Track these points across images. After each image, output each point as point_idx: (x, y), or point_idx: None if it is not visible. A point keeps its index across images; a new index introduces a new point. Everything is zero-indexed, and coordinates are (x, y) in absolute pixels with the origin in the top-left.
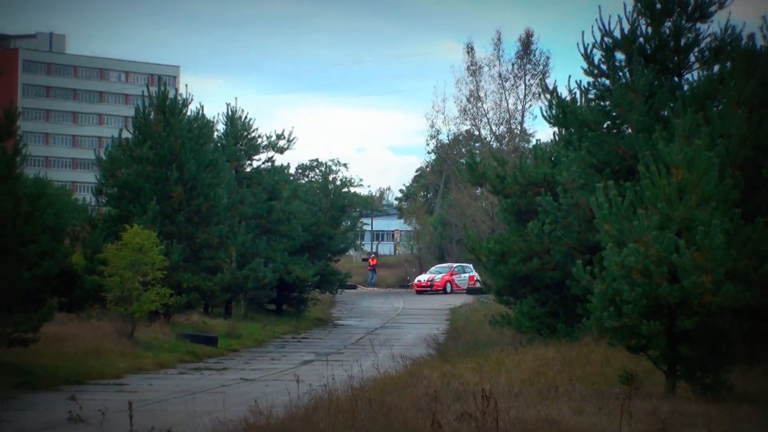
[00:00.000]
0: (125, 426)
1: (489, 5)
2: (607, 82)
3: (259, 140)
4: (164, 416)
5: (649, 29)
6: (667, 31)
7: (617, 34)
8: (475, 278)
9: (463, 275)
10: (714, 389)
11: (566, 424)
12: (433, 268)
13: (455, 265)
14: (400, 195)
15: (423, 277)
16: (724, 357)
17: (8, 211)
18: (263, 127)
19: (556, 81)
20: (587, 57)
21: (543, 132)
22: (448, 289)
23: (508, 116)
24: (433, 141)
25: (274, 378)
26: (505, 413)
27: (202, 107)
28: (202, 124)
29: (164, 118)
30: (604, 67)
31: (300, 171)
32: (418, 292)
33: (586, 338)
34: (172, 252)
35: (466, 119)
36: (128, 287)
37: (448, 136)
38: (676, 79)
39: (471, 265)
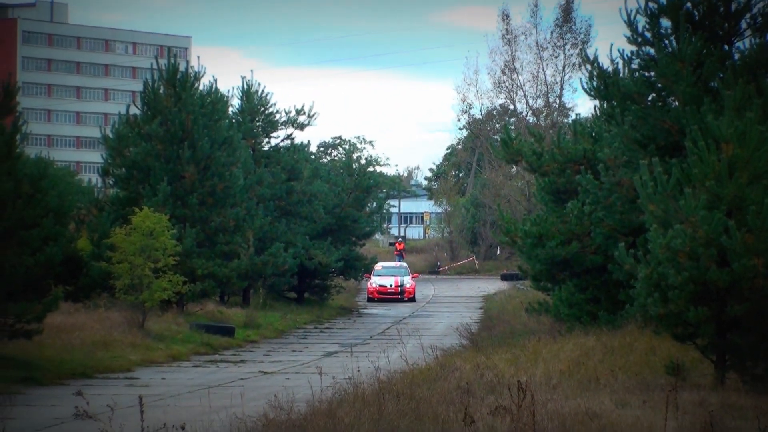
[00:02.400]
0: (136, 422)
1: None
2: (652, 51)
3: (278, 116)
4: (178, 412)
5: None
6: None
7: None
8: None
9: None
10: (765, 380)
11: (608, 417)
12: (382, 266)
13: (405, 264)
14: (429, 174)
15: (386, 281)
16: None
17: (8, 193)
18: (282, 102)
19: (597, 50)
20: (630, 24)
21: (583, 106)
22: (415, 297)
23: (545, 89)
24: (465, 116)
25: (296, 371)
26: (543, 406)
27: (216, 81)
28: (216, 99)
29: (175, 93)
30: (648, 35)
31: (322, 149)
32: (379, 300)
33: (630, 326)
34: (184, 237)
35: (500, 92)
36: (138, 274)
37: (481, 111)
38: (726, 47)
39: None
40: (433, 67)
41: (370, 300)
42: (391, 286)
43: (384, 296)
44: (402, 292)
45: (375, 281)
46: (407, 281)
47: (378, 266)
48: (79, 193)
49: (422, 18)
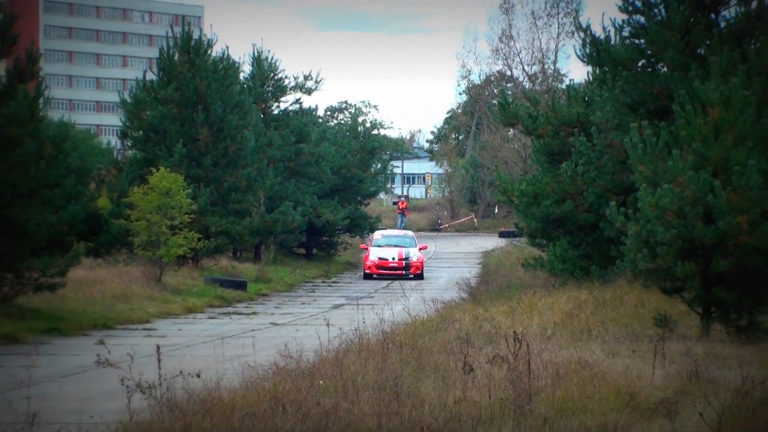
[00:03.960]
0: (154, 370)
1: None
2: (642, 19)
3: (286, 81)
4: (193, 361)
5: None
6: None
7: None
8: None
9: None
10: (749, 331)
11: (599, 366)
12: (382, 235)
13: (411, 233)
14: (431, 137)
15: (387, 253)
16: (759, 299)
17: (32, 154)
18: (290, 68)
19: (589, 18)
20: None
21: (576, 72)
22: (423, 273)
23: (541, 56)
24: (465, 81)
25: (305, 322)
26: (537, 356)
27: (228, 48)
28: (228, 65)
29: (189, 59)
30: (639, 3)
31: (329, 113)
32: (379, 277)
33: (620, 280)
34: (199, 196)
35: (498, 59)
36: (155, 231)
37: (479, 77)
38: (712, 15)
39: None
40: (436, 35)
41: (367, 276)
42: (393, 259)
43: (385, 272)
44: (407, 267)
45: (374, 253)
46: (414, 254)
47: (377, 235)
48: (99, 154)
49: None
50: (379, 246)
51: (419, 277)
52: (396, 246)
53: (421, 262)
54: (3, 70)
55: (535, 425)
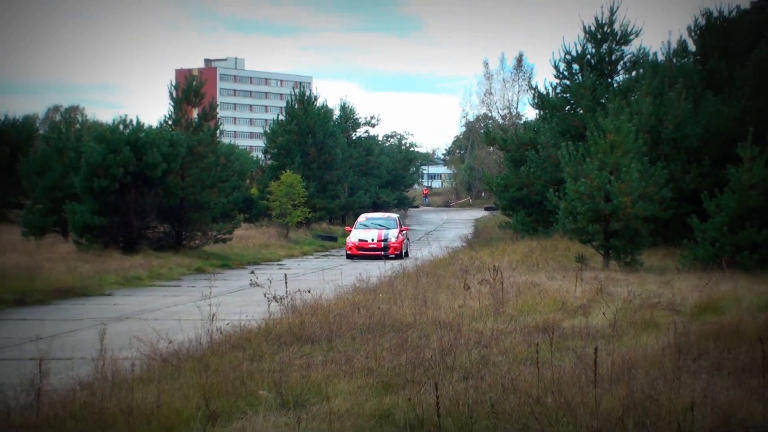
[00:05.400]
0: (283, 288)
1: (497, 37)
2: (568, 82)
3: (359, 120)
4: (306, 283)
5: (593, 50)
6: (604, 51)
7: (574, 53)
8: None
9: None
10: (631, 265)
11: (543, 285)
12: (366, 217)
13: (394, 215)
14: (444, 151)
15: (367, 234)
16: (637, 245)
17: (212, 162)
18: (361, 110)
19: (537, 82)
20: (556, 67)
21: (530, 113)
22: (403, 253)
23: (508, 103)
24: (464, 119)
25: (371, 260)
26: (507, 279)
27: (326, 100)
28: (326, 110)
29: (303, 107)
30: (566, 73)
31: (385, 137)
32: (360, 257)
33: (556, 235)
34: (309, 187)
35: (483, 106)
36: (284, 208)
37: (473, 116)
38: (609, 80)
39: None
40: (448, 91)
41: (349, 257)
42: (372, 240)
43: (364, 252)
44: (385, 248)
45: (354, 235)
46: (392, 235)
47: (362, 217)
48: (251, 163)
49: (437, 66)
50: (361, 228)
51: (399, 257)
52: (377, 228)
53: (400, 243)
54: (195, 114)
55: (505, 320)
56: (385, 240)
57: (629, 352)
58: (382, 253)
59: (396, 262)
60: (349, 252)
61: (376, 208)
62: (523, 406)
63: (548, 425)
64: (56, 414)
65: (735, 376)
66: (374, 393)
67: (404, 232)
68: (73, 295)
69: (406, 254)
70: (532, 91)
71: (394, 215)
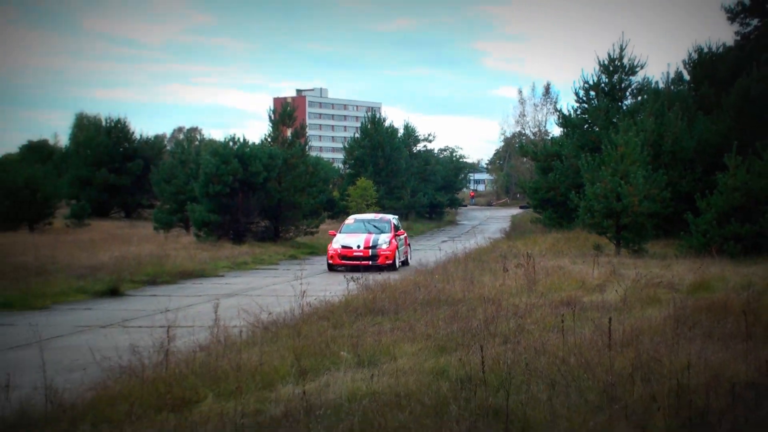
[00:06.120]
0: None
1: (530, 70)
2: (586, 105)
3: (419, 136)
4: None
5: (606, 79)
6: (615, 80)
7: (591, 82)
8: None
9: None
10: (638, 252)
11: (567, 268)
12: (354, 219)
13: (389, 216)
14: (487, 161)
15: (352, 240)
16: (643, 237)
17: (302, 171)
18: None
19: (561, 106)
20: (576, 94)
21: (556, 131)
22: (397, 263)
23: (538, 123)
24: (503, 135)
25: (429, 248)
26: (538, 263)
27: (392, 121)
28: (392, 129)
29: (374, 127)
30: (584, 98)
31: (439, 150)
32: (344, 267)
33: (576, 229)
34: (379, 190)
35: (518, 125)
36: (359, 207)
37: (510, 133)
38: (619, 103)
39: (396, 218)
40: (490, 114)
41: (331, 268)
42: (358, 247)
43: (348, 262)
44: (374, 257)
45: (337, 241)
46: (383, 240)
47: (349, 219)
48: (333, 172)
49: (481, 92)
50: (347, 231)
51: (392, 267)
52: (365, 232)
53: (393, 250)
54: (289, 133)
55: (537, 296)
56: (374, 246)
57: (637, 322)
58: (370, 262)
59: (449, 250)
60: (330, 261)
61: (432, 207)
62: (551, 365)
63: (572, 380)
64: (180, 370)
65: (723, 342)
66: (432, 354)
67: (401, 237)
68: (193, 277)
69: (405, 263)
70: (558, 113)
71: (390, 216)
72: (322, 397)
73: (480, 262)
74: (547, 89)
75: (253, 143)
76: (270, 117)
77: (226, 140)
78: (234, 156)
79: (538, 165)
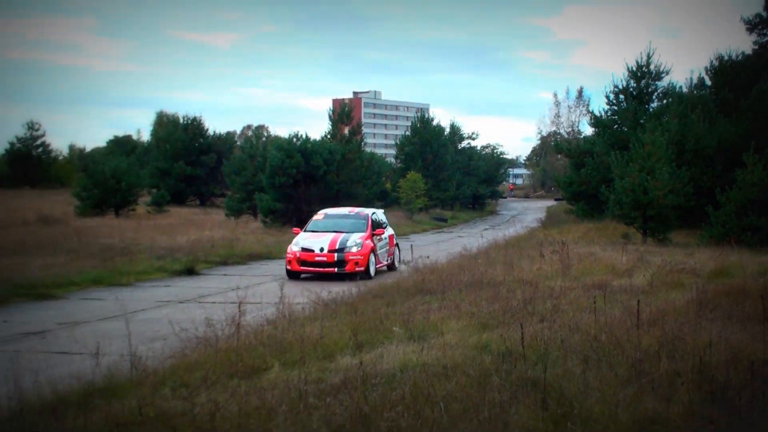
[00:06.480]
0: (409, 254)
1: (564, 75)
2: (616, 108)
3: (464, 134)
4: (427, 251)
5: (635, 84)
6: (642, 85)
7: (620, 86)
8: (393, 236)
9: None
10: (663, 241)
11: (598, 255)
12: (325, 214)
13: (368, 211)
14: (525, 158)
15: (315, 242)
16: (667, 227)
17: (359, 165)
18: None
19: (593, 108)
20: (607, 97)
21: (588, 131)
22: (372, 270)
23: (571, 123)
24: (539, 134)
25: (470, 235)
26: (571, 250)
27: (440, 121)
28: (439, 128)
29: (423, 126)
30: (614, 101)
31: (481, 147)
32: (306, 275)
33: (606, 219)
34: (427, 183)
35: (553, 125)
36: (409, 197)
37: (545, 132)
38: (646, 106)
39: (381, 213)
40: (530, 115)
41: (290, 275)
42: (321, 250)
43: (309, 268)
44: (340, 263)
45: (298, 242)
46: (354, 242)
47: (318, 214)
48: (386, 165)
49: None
50: (313, 230)
51: (366, 275)
52: (334, 231)
53: (366, 254)
54: (346, 130)
55: (570, 279)
56: (342, 249)
57: (662, 304)
58: (336, 269)
59: (490, 237)
60: (288, 267)
61: (475, 199)
62: (584, 341)
63: (603, 356)
64: (250, 342)
65: (742, 323)
66: (476, 330)
67: (382, 236)
68: (261, 258)
69: (391, 266)
70: (590, 114)
71: (369, 211)
72: (376, 368)
73: (519, 248)
74: (580, 93)
75: (315, 140)
76: (330, 116)
77: (291, 137)
78: (297, 151)
79: (572, 161)
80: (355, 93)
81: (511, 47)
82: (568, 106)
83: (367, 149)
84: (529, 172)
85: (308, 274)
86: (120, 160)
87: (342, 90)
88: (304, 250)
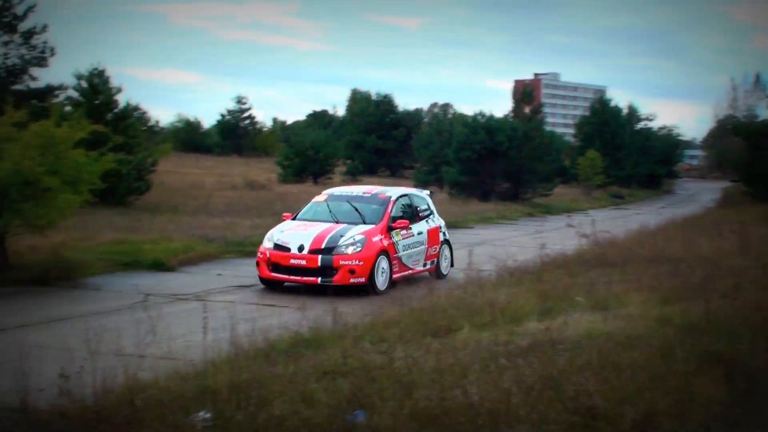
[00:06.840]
0: (589, 228)
1: (741, 62)
2: None
3: (641, 116)
4: (604, 225)
5: None
6: None
7: None
8: (440, 229)
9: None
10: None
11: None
12: (326, 197)
13: (392, 191)
14: (700, 139)
15: (295, 239)
16: None
17: (539, 143)
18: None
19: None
20: None
21: (765, 114)
22: (381, 282)
23: (748, 108)
24: (716, 117)
25: (649, 212)
26: (749, 229)
27: (617, 102)
28: (617, 109)
29: (601, 107)
30: None
31: (658, 128)
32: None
33: None
34: (605, 161)
35: (730, 109)
36: (588, 175)
37: (722, 115)
38: None
39: (421, 195)
40: (708, 93)
41: (264, 283)
42: (300, 249)
43: (281, 275)
44: (325, 270)
45: (274, 235)
46: (351, 239)
47: (321, 195)
48: (565, 144)
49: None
50: (301, 219)
51: (366, 288)
52: (330, 221)
53: (369, 260)
54: (528, 110)
55: (750, 258)
56: (329, 250)
57: None
58: (320, 279)
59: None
60: (258, 272)
61: (651, 178)
62: None
63: None
64: (441, 304)
65: None
66: (657, 304)
67: (405, 229)
68: (451, 228)
69: (436, 273)
70: (766, 99)
71: (394, 192)
72: (562, 334)
73: (696, 226)
74: (757, 78)
75: (498, 118)
76: (512, 96)
77: (475, 115)
78: (481, 128)
79: (749, 143)
80: (535, 74)
81: (689, 32)
82: (745, 90)
83: (547, 128)
84: (704, 154)
85: (291, 283)
86: (318, 133)
87: (522, 71)
88: (277, 248)
